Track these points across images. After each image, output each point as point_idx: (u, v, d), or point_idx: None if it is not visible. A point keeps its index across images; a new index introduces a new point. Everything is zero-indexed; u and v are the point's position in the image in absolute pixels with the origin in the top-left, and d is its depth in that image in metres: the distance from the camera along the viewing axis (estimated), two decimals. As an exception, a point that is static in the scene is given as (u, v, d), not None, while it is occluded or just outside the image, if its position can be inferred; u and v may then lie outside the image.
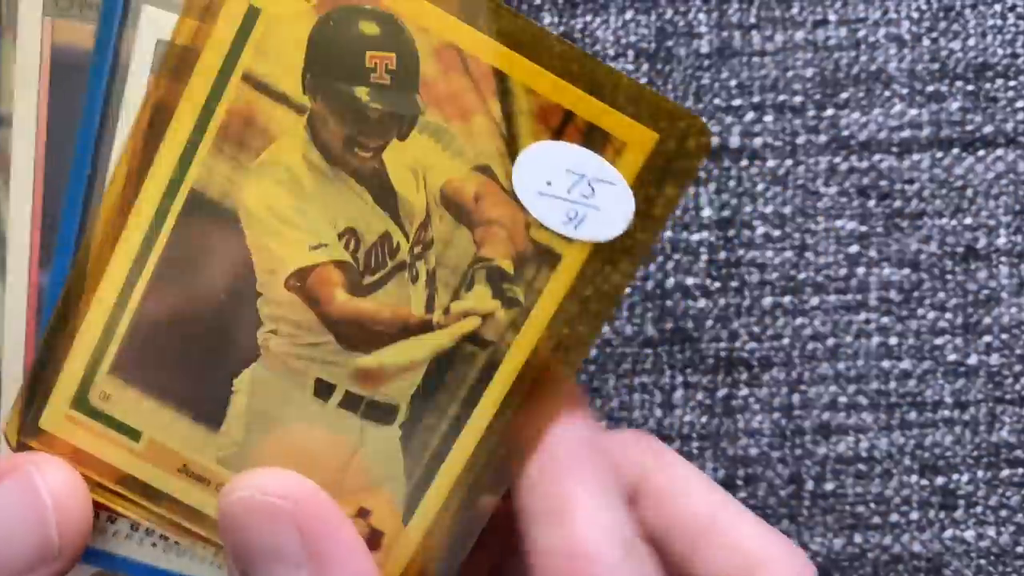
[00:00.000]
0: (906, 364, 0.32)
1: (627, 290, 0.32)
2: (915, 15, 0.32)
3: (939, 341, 0.32)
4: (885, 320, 0.32)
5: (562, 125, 0.22)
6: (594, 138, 0.22)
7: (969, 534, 0.32)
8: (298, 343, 0.23)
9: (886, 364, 0.32)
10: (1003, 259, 0.32)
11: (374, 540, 0.23)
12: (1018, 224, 0.32)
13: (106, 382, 0.23)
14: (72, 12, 0.23)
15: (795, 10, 0.32)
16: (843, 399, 0.32)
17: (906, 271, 0.32)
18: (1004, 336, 0.32)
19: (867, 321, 0.32)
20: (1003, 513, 0.32)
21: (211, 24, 0.22)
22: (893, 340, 0.32)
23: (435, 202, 0.22)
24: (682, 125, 0.21)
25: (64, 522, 0.22)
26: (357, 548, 0.22)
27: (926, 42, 0.32)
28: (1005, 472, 0.32)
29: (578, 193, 0.22)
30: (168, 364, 0.23)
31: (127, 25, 0.23)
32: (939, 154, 0.32)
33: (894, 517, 0.32)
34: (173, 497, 0.23)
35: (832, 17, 0.32)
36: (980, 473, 0.32)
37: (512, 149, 0.22)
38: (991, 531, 0.32)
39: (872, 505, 0.32)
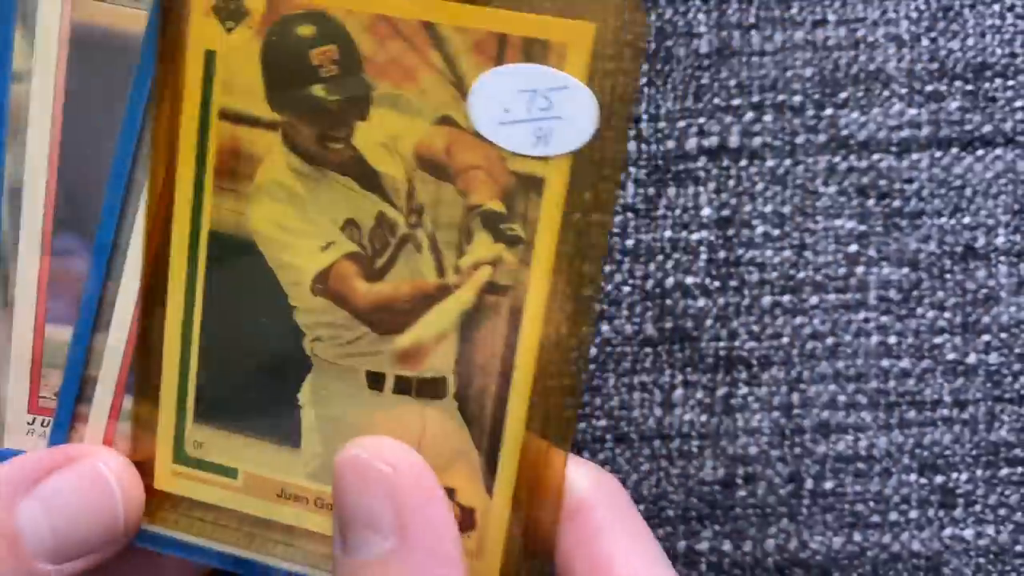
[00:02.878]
0: (905, 363, 0.32)
1: (627, 288, 0.32)
2: (914, 15, 0.32)
3: (938, 340, 0.32)
4: (884, 319, 0.32)
5: (500, 50, 0.22)
6: (534, 51, 0.21)
7: (968, 533, 0.32)
8: (340, 343, 0.23)
9: (885, 363, 0.32)
10: (1002, 258, 0.32)
11: (467, 518, 0.24)
12: (1017, 223, 0.32)
13: (195, 431, 0.24)
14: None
15: (794, 10, 0.32)
16: (842, 398, 0.32)
17: (905, 270, 0.32)
18: (1003, 335, 0.32)
19: (866, 320, 0.32)
20: (1002, 512, 0.32)
21: (180, 79, 0.23)
22: (892, 339, 0.32)
23: (413, 168, 0.23)
24: (613, 8, 0.21)
25: (127, 502, 0.24)
26: (446, 532, 0.22)
27: (925, 42, 0.32)
28: (1004, 471, 0.32)
29: (537, 109, 0.22)
30: (240, 398, 0.24)
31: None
32: (938, 153, 0.32)
33: (893, 516, 0.32)
34: (276, 522, 0.24)
35: (831, 17, 0.32)
36: (979, 472, 0.32)
37: (463, 90, 0.22)
38: (990, 530, 0.32)
39: (871, 504, 0.32)
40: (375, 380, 0.23)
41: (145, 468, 0.25)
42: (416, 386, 0.23)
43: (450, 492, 0.24)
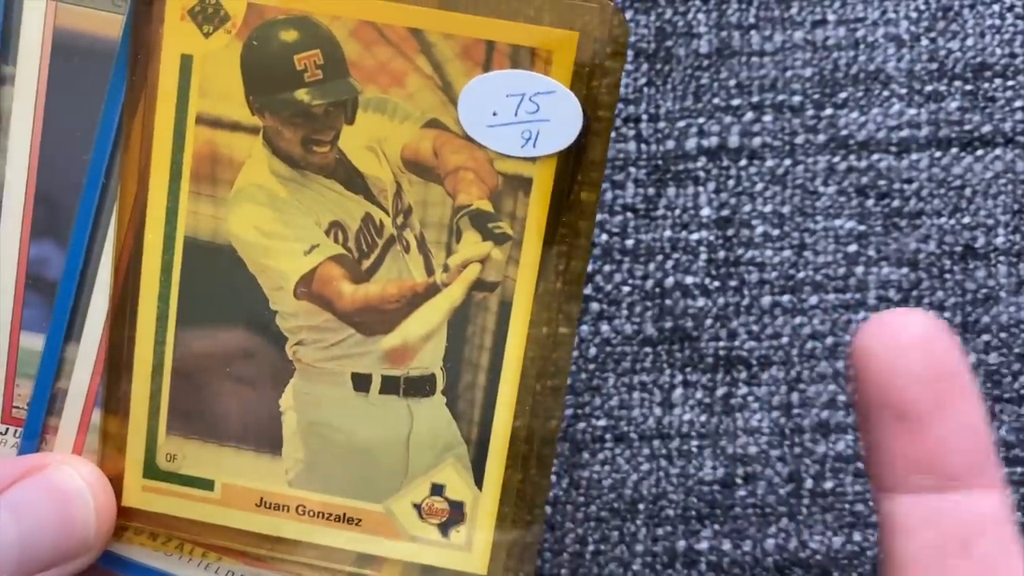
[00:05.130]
0: (905, 363, 0.32)
1: (626, 288, 0.32)
2: (914, 15, 0.32)
3: (938, 340, 0.32)
4: (884, 319, 0.32)
5: (487, 56, 0.22)
6: (520, 57, 0.22)
7: (968, 532, 0.32)
8: (324, 346, 0.23)
9: (885, 363, 0.32)
10: (1001, 258, 0.32)
11: (456, 512, 0.24)
12: (1016, 223, 0.32)
13: (168, 444, 0.24)
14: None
15: (794, 10, 0.33)
16: (842, 398, 0.32)
17: (905, 270, 0.32)
18: (1002, 335, 0.32)
19: (866, 320, 0.32)
20: (1002, 511, 0.32)
21: (155, 83, 0.23)
22: (892, 339, 0.32)
23: (400, 170, 0.23)
24: (595, 16, 0.22)
25: (100, 512, 0.23)
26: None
27: (924, 42, 0.32)
28: (1004, 471, 0.32)
29: (524, 113, 0.22)
30: (216, 407, 0.24)
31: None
32: (937, 153, 0.32)
33: (893, 515, 0.32)
34: (254, 532, 0.24)
35: (831, 17, 0.33)
36: (979, 472, 0.32)
37: (451, 95, 0.22)
38: (990, 529, 0.32)
39: (871, 504, 0.32)
40: (361, 382, 0.24)
41: (112, 485, 0.24)
42: (404, 385, 0.23)
43: (439, 487, 0.24)
